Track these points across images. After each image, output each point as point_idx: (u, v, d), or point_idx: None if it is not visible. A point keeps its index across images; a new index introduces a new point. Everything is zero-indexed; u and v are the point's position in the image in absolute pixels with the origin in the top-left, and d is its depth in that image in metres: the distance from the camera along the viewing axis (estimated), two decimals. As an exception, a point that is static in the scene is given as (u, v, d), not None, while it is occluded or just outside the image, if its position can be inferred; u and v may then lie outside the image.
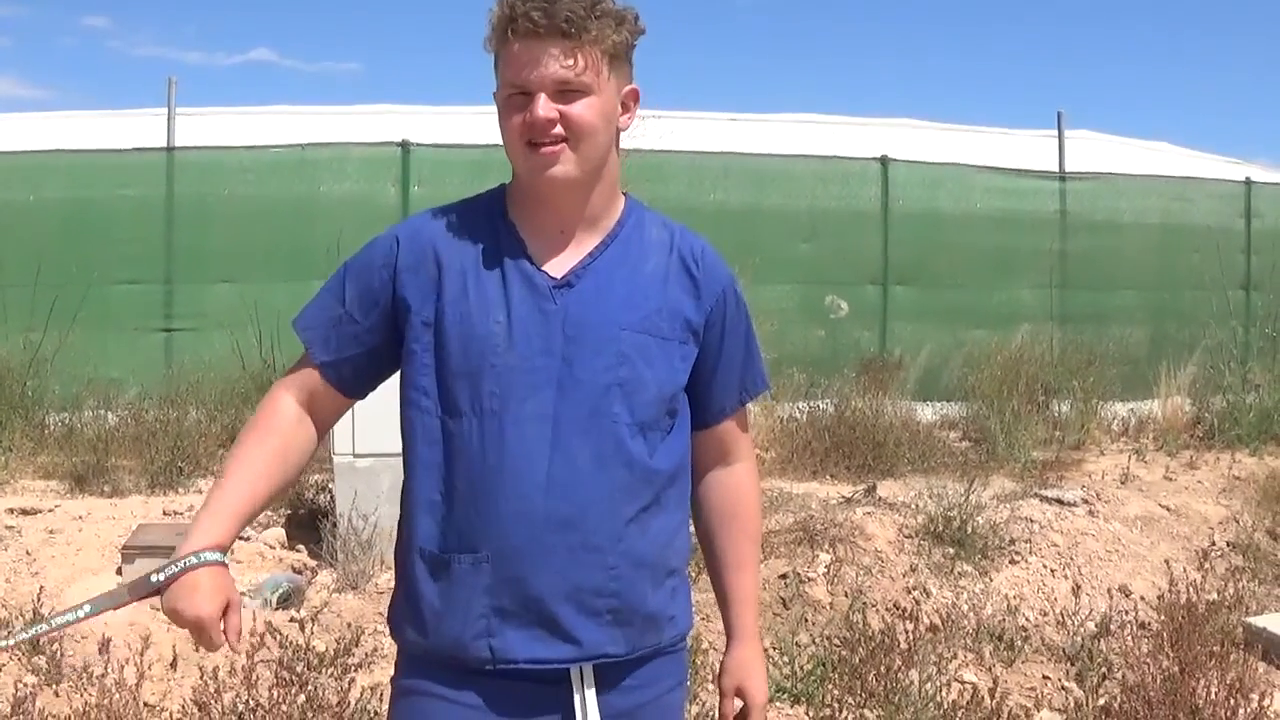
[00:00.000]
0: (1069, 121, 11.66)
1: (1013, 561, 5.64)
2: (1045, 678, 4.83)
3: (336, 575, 5.23)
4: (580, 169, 1.79)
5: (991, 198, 11.06)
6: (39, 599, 4.61)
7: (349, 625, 4.63)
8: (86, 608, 1.73)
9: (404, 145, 9.80)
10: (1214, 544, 6.13)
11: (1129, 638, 4.77)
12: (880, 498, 6.29)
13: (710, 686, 3.92)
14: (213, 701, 3.53)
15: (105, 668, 3.98)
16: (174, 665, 4.19)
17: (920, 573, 5.47)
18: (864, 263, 10.68)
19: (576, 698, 1.81)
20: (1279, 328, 10.65)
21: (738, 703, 1.99)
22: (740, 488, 2.01)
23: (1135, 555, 5.92)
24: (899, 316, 10.67)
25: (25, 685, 3.96)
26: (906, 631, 4.23)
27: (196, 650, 4.23)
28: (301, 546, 5.67)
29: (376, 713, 3.63)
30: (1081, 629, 5.03)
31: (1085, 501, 6.37)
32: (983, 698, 3.95)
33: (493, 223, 1.87)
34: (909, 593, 5.31)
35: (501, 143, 1.82)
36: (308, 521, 5.83)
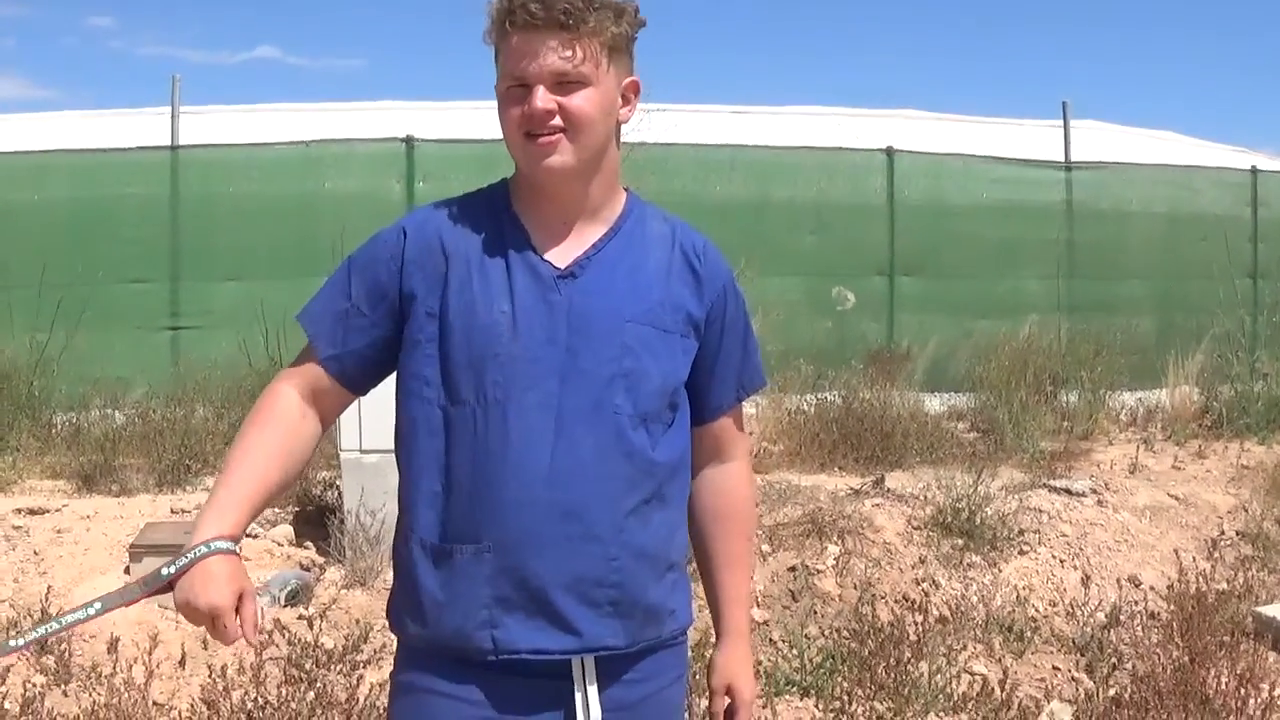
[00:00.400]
0: (1074, 111, 11.60)
1: (1022, 552, 5.62)
2: (1055, 668, 4.82)
3: (345, 572, 5.23)
4: (578, 159, 1.79)
5: (997, 188, 11.02)
6: (47, 599, 4.62)
7: (357, 622, 4.64)
8: (97, 605, 1.72)
9: (408, 141, 9.77)
10: (1223, 533, 6.12)
11: (1139, 628, 4.76)
12: (889, 489, 6.27)
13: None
14: (221, 699, 3.54)
15: (114, 667, 4.00)
16: (182, 663, 4.19)
17: (929, 564, 5.46)
18: (870, 254, 10.65)
19: (578, 691, 1.80)
20: (1287, 316, 10.60)
21: (726, 700, 2.00)
22: (734, 486, 2.01)
23: (1144, 545, 5.91)
24: (906, 308, 10.65)
25: (34, 685, 3.96)
26: (916, 623, 4.23)
27: (205, 648, 4.23)
28: (309, 543, 5.67)
29: (385, 709, 3.63)
30: (1091, 619, 5.02)
31: (1094, 491, 6.35)
32: (993, 689, 3.95)
33: (496, 215, 1.87)
34: (918, 584, 5.30)
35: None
36: (315, 518, 5.83)
